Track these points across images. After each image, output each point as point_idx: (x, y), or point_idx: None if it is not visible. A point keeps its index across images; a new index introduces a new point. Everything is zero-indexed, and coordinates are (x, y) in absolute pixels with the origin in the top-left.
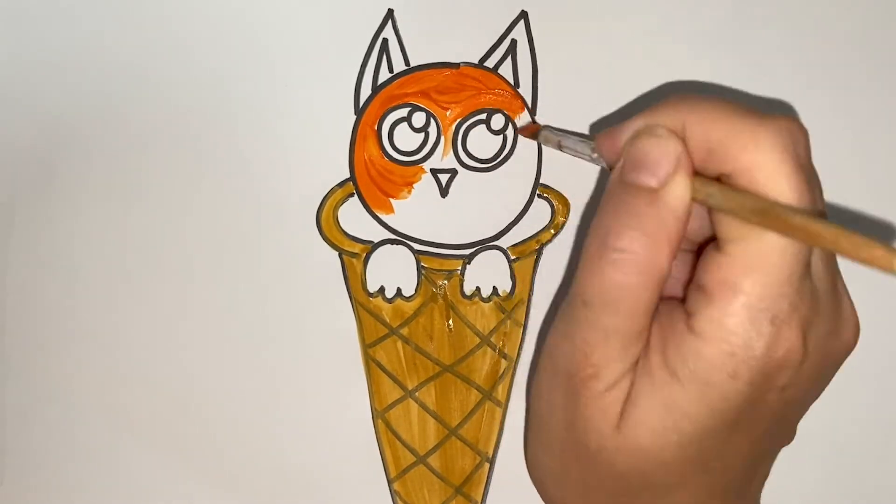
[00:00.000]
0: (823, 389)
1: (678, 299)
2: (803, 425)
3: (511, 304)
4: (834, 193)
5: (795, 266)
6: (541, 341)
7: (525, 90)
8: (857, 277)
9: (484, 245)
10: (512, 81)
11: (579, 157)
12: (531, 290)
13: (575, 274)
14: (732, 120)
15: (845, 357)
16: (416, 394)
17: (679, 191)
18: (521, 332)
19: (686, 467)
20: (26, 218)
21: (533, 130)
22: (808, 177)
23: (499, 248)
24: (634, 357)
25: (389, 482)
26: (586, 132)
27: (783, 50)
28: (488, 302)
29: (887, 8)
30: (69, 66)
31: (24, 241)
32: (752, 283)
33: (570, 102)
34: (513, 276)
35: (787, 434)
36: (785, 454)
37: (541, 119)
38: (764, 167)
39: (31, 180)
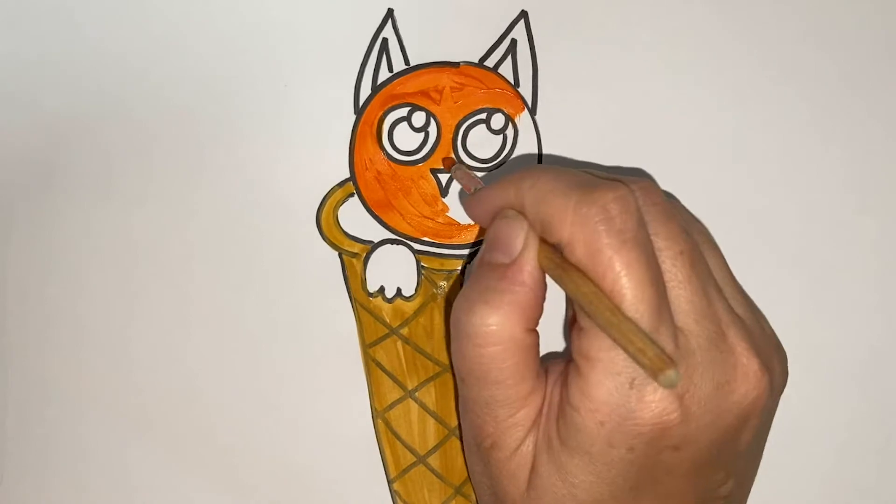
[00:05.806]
0: (750, 438)
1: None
2: (803, 425)
3: None
4: (835, 193)
5: (647, 329)
6: None
7: (525, 90)
8: (857, 278)
9: None
10: (512, 81)
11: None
12: None
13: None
14: (559, 196)
15: (753, 407)
16: (416, 394)
17: (527, 266)
18: None
19: None
20: (26, 218)
21: (449, 164)
22: (623, 242)
23: None
24: (529, 420)
25: (389, 482)
26: (585, 133)
27: (784, 50)
28: None
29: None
30: (69, 65)
31: (24, 241)
32: (607, 352)
33: (570, 102)
34: None
35: (715, 485)
36: (784, 455)
37: (540, 118)
38: (579, 241)
39: (31, 180)
